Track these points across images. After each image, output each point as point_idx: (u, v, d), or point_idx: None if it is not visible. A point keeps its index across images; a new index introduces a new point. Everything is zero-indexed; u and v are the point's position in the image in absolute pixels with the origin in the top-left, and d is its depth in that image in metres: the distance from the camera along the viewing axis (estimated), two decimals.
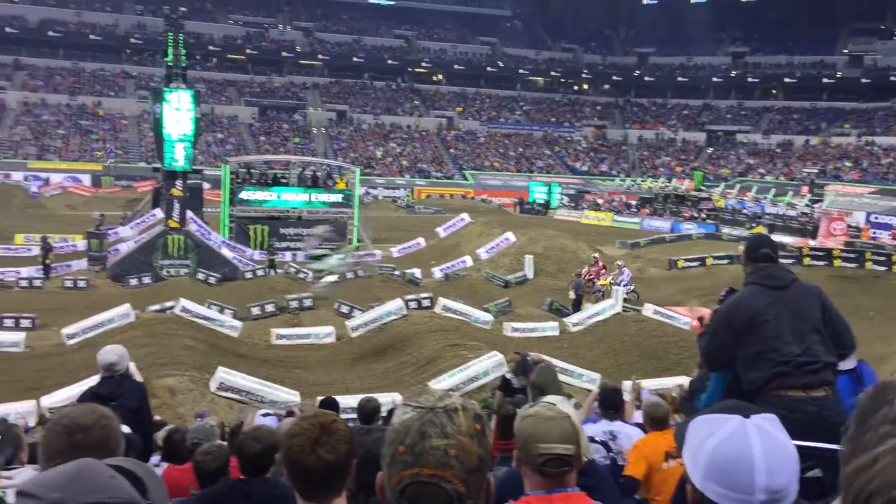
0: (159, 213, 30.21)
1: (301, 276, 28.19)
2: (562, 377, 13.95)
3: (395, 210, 51.91)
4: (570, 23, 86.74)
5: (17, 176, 52.67)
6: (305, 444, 1.98)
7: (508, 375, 11.08)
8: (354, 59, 79.10)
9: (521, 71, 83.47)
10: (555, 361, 16.19)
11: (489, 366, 16.77)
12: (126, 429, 4.77)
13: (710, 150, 74.15)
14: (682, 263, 32.01)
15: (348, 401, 15.62)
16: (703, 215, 49.11)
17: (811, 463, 2.58)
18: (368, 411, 6.57)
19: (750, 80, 79.04)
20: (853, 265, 30.32)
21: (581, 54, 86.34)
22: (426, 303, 23.01)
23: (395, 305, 21.64)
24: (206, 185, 34.59)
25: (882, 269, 29.73)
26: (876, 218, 44.55)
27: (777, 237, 32.90)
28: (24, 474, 3.89)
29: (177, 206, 27.62)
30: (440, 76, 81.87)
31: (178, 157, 28.71)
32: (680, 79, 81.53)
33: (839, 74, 74.10)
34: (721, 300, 4.52)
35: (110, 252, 28.12)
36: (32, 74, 68.15)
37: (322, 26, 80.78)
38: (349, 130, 72.14)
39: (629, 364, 18.33)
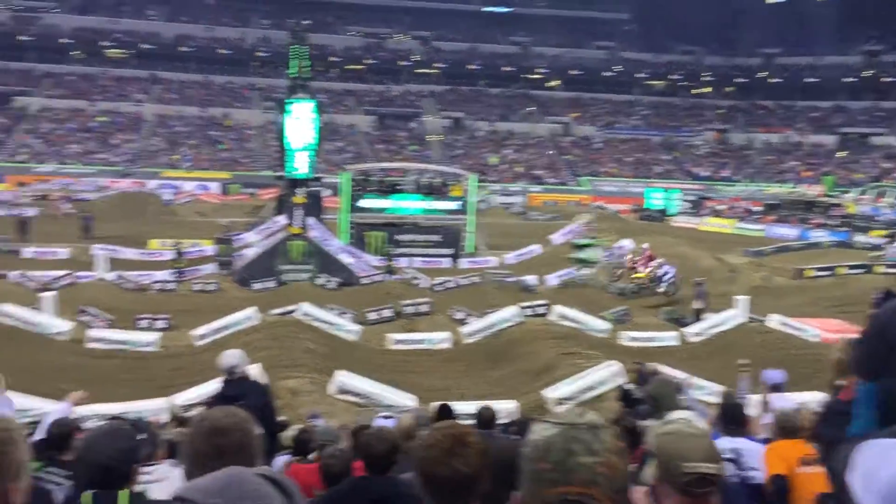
0: (282, 219, 31.25)
1: (415, 281, 28.54)
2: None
3: (510, 217, 51.84)
4: (691, 25, 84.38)
5: (152, 184, 55.70)
6: (440, 455, 1.98)
7: (627, 386, 10.82)
8: (470, 66, 79.66)
9: (638, 75, 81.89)
10: (674, 372, 15.76)
11: (606, 375, 16.48)
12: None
13: (841, 153, 70.51)
14: (810, 272, 30.52)
15: (464, 407, 15.75)
16: (835, 222, 46.70)
17: None
18: (486, 419, 6.55)
19: (885, 79, 74.69)
20: None
21: (702, 56, 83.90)
22: (541, 310, 22.88)
23: (510, 312, 21.60)
24: (326, 192, 35.55)
25: None
26: None
27: None
28: (162, 470, 4.09)
29: (298, 212, 28.51)
30: (555, 82, 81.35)
31: (301, 165, 29.69)
32: (808, 80, 77.94)
33: None
34: (876, 303, 4.26)
35: (237, 257, 29.30)
36: (167, 88, 72.06)
37: (439, 35, 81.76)
38: (464, 137, 72.66)
39: (754, 378, 17.61)
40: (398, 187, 34.45)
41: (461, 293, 27.05)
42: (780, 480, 4.65)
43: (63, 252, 31.41)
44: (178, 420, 10.48)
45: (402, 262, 31.43)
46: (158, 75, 72.90)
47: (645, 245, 28.62)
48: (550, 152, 71.71)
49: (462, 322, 22.18)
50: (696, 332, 21.07)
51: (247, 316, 19.69)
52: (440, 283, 28.03)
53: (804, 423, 6.92)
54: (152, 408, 14.47)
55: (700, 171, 70.44)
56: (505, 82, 79.91)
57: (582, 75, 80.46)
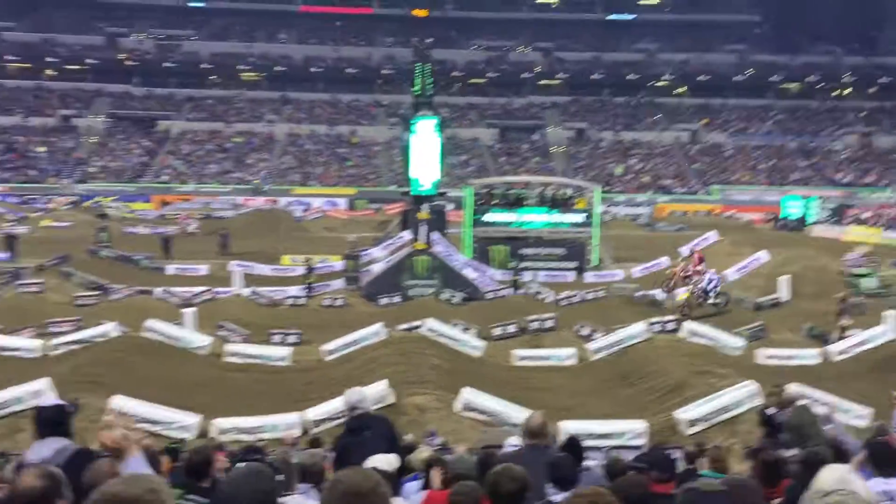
0: (407, 235, 31.75)
1: (540, 296, 28.31)
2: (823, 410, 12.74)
3: (636, 228, 50.69)
4: (828, 24, 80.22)
5: (283, 202, 57.89)
6: None
7: (770, 411, 10.25)
8: (593, 76, 78.64)
9: (771, 78, 78.53)
10: (817, 394, 14.89)
11: (742, 396, 15.71)
12: (383, 459, 4.95)
13: None
14: None
15: (591, 426, 15.42)
16: None
17: None
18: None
19: None
20: None
21: (841, 56, 79.57)
22: (671, 326, 22.19)
23: (637, 328, 21.06)
24: (449, 207, 35.87)
25: None
26: None
27: None
28: (296, 500, 4.15)
29: (423, 228, 28.88)
30: (682, 88, 79.13)
31: (425, 182, 30.08)
32: None
33: None
34: None
35: (364, 272, 29.96)
36: (297, 108, 74.83)
37: (561, 45, 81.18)
38: (588, 148, 71.75)
39: None
40: (522, 201, 34.33)
41: (587, 308, 26.64)
42: None
43: (203, 268, 33.04)
44: (311, 441, 10.71)
45: (527, 277, 31.26)
46: (289, 96, 75.81)
47: (695, 247, 27.34)
48: (678, 161, 69.76)
49: (588, 338, 21.81)
50: (840, 349, 19.85)
51: (374, 332, 20.03)
52: (565, 298, 27.71)
53: None
54: (286, 422, 14.95)
55: (841, 177, 66.71)
56: (629, 91, 78.39)
57: (710, 81, 77.83)
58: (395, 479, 4.94)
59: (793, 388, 12.39)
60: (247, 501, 2.93)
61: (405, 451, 9.20)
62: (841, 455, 6.86)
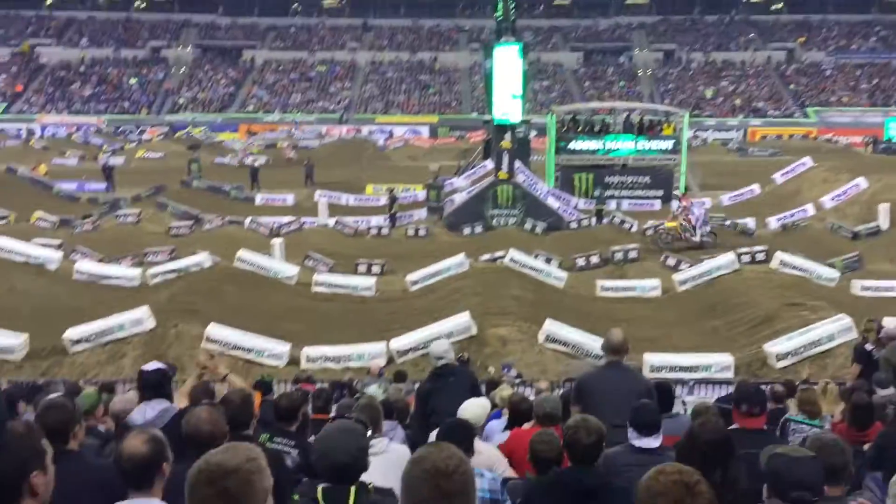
0: (490, 164, 31.54)
1: (626, 225, 27.86)
2: None
3: (726, 154, 49.01)
4: None
5: (366, 130, 58.14)
6: (671, 503, 1.85)
7: (868, 346, 9.90)
8: None
9: None
10: None
11: (835, 330, 15.29)
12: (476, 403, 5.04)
13: None
14: None
15: (676, 359, 15.28)
16: None
17: None
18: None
19: None
20: None
21: None
22: (761, 256, 21.62)
23: (726, 259, 20.60)
24: (532, 134, 35.31)
25: None
26: None
27: None
28: (380, 445, 4.26)
29: (505, 158, 28.61)
30: (779, 5, 75.00)
31: (508, 111, 29.65)
32: None
33: None
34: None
35: (446, 202, 30.03)
36: (378, 35, 74.34)
37: None
38: (677, 70, 69.20)
39: None
40: (607, 128, 33.55)
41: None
42: None
43: (289, 198, 33.70)
44: (396, 374, 10.95)
45: (611, 206, 30.77)
46: (370, 23, 75.27)
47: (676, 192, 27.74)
48: (773, 82, 66.68)
49: (674, 269, 21.45)
50: None
51: (457, 262, 20.16)
52: (651, 228, 27.21)
53: None
54: (371, 351, 15.32)
55: None
56: (722, 9, 74.70)
57: None
58: (483, 425, 5.03)
59: (891, 323, 11.96)
60: (343, 457, 3.05)
61: (489, 386, 9.37)
62: None
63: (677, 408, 7.01)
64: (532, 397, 6.97)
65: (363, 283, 20.31)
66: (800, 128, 59.00)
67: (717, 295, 19.25)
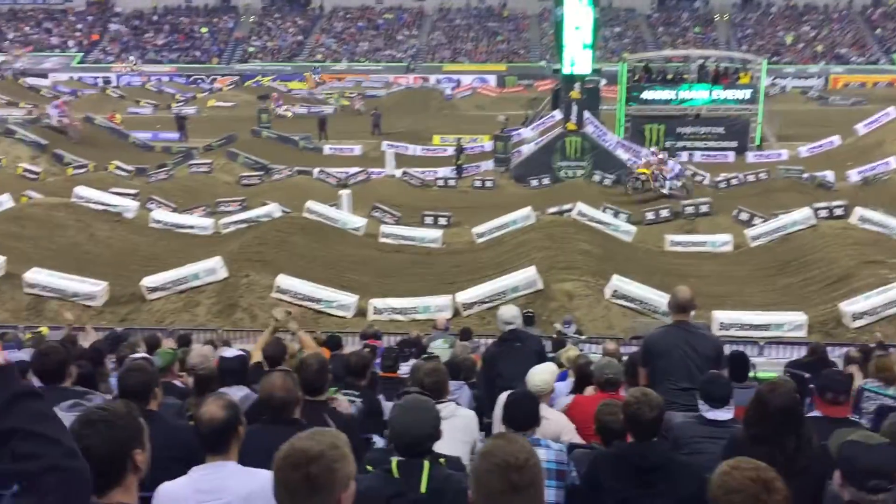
0: (558, 114, 31.02)
1: (698, 178, 27.22)
2: None
3: (806, 103, 47.20)
4: None
5: (433, 79, 57.73)
6: (747, 501, 1.83)
7: None
8: None
9: None
10: None
11: None
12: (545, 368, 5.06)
13: None
14: None
15: (747, 317, 14.98)
16: None
17: None
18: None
19: None
20: None
21: None
22: (839, 211, 20.93)
23: (802, 214, 20.01)
24: (602, 83, 34.55)
25: None
26: None
27: None
28: (448, 408, 4.30)
29: (574, 108, 28.10)
30: None
31: (578, 61, 29.05)
32: None
33: None
34: None
35: (514, 153, 29.75)
36: None
37: None
38: (756, 15, 66.55)
39: None
40: (681, 76, 32.59)
41: (747, 191, 25.46)
42: None
43: (356, 149, 33.87)
44: (462, 331, 11.02)
45: (683, 157, 30.07)
46: None
47: (652, 149, 27.07)
48: (857, 27, 63.60)
49: (747, 223, 20.95)
50: None
51: (524, 215, 20.03)
52: (723, 181, 26.56)
53: None
54: (437, 304, 15.45)
55: None
56: None
57: None
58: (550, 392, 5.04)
59: None
60: (414, 437, 3.16)
61: (554, 345, 9.37)
62: None
63: None
64: (599, 357, 6.93)
65: (429, 235, 20.39)
66: (885, 75, 56.27)
67: (792, 251, 18.77)
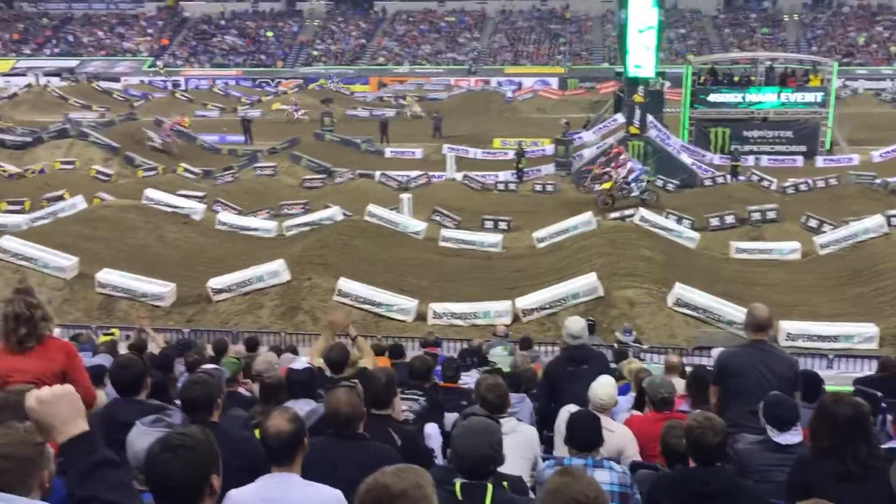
0: (620, 118, 30.73)
1: (765, 183, 26.63)
2: None
3: (879, 105, 45.75)
4: None
5: (494, 82, 57.67)
6: None
7: None
8: None
9: None
10: None
11: None
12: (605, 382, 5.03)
13: None
14: None
15: (816, 328, 14.56)
16: None
17: None
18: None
19: None
20: None
21: None
22: None
23: (874, 221, 19.44)
24: (666, 85, 34.07)
25: None
26: None
27: None
28: (508, 423, 4.31)
29: (638, 112, 27.77)
30: None
31: (642, 64, 28.71)
32: None
33: None
34: None
35: (575, 157, 29.53)
36: None
37: None
38: (826, 15, 64.78)
39: None
40: (748, 79, 31.93)
41: (816, 197, 24.81)
42: None
43: (417, 152, 34.06)
44: (522, 340, 10.96)
45: (749, 162, 29.44)
46: None
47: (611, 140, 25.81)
48: None
49: (816, 231, 20.41)
50: None
51: (584, 220, 19.88)
52: (791, 186, 25.91)
53: None
54: (497, 309, 15.43)
55: None
56: None
57: None
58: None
59: None
60: (476, 460, 3.17)
61: (616, 356, 9.28)
62: None
63: None
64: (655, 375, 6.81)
65: (489, 240, 20.37)
66: None
67: (863, 260, 18.22)
